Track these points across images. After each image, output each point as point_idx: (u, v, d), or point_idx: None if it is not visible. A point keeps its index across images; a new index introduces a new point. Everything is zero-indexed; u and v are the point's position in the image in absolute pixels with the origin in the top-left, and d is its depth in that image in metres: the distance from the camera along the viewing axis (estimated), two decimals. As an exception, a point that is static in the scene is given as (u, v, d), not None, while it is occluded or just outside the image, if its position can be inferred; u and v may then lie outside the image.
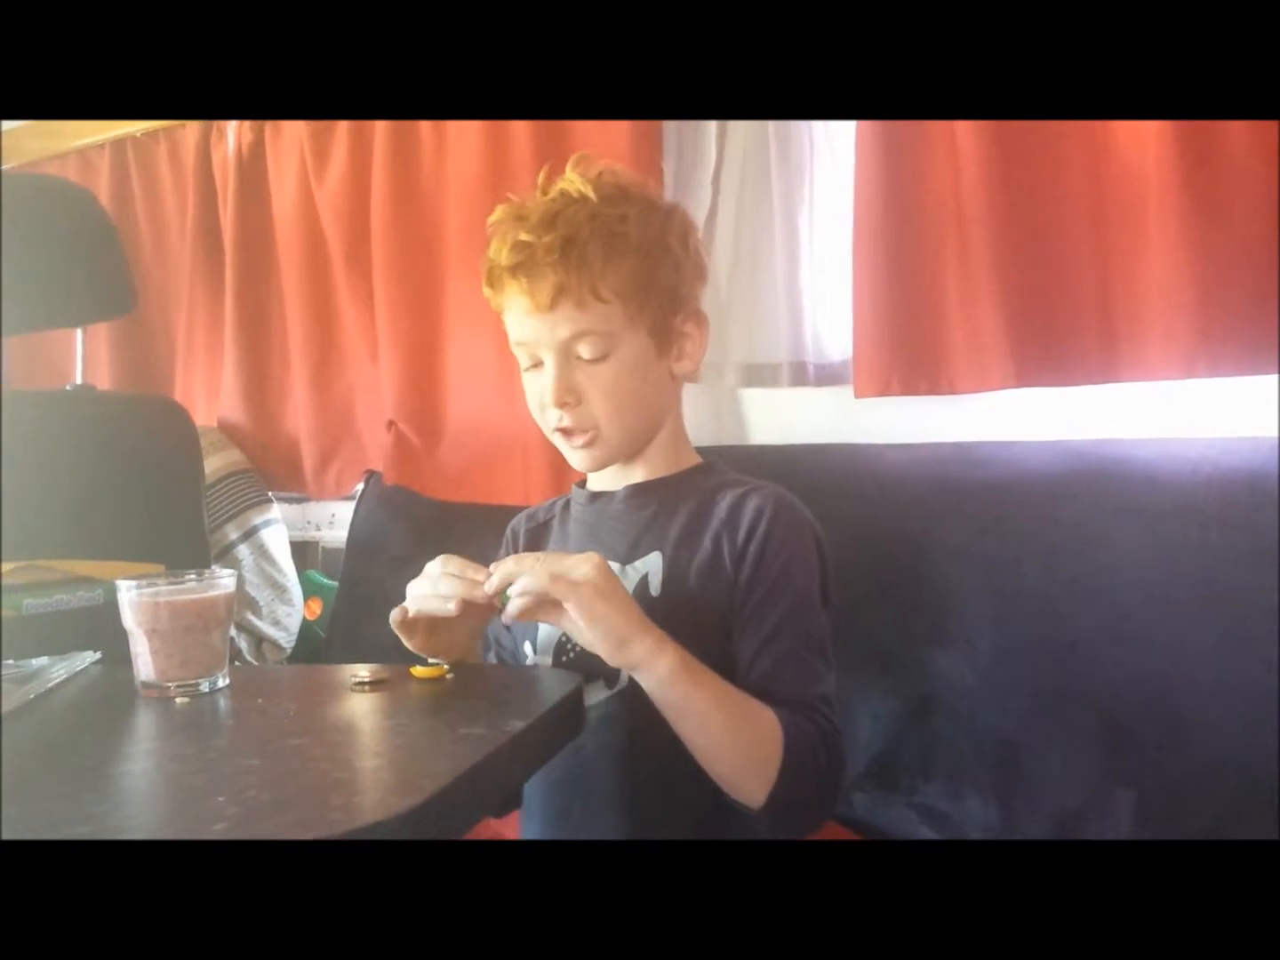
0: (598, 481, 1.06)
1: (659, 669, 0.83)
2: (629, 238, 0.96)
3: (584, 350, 0.96)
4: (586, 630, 0.82)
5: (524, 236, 0.95)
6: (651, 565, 0.97)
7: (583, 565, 0.82)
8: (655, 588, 0.96)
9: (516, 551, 1.11)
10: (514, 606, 0.83)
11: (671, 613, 0.92)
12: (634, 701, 0.87)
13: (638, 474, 1.03)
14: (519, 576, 0.82)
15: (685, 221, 1.02)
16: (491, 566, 0.84)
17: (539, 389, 0.99)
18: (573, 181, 0.97)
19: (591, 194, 0.96)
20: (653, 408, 1.02)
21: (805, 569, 0.95)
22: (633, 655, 0.83)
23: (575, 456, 1.01)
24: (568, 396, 0.96)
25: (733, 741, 0.85)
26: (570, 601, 0.81)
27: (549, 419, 0.99)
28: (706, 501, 0.99)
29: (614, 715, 0.93)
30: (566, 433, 0.99)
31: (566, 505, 1.10)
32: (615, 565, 0.98)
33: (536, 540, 1.10)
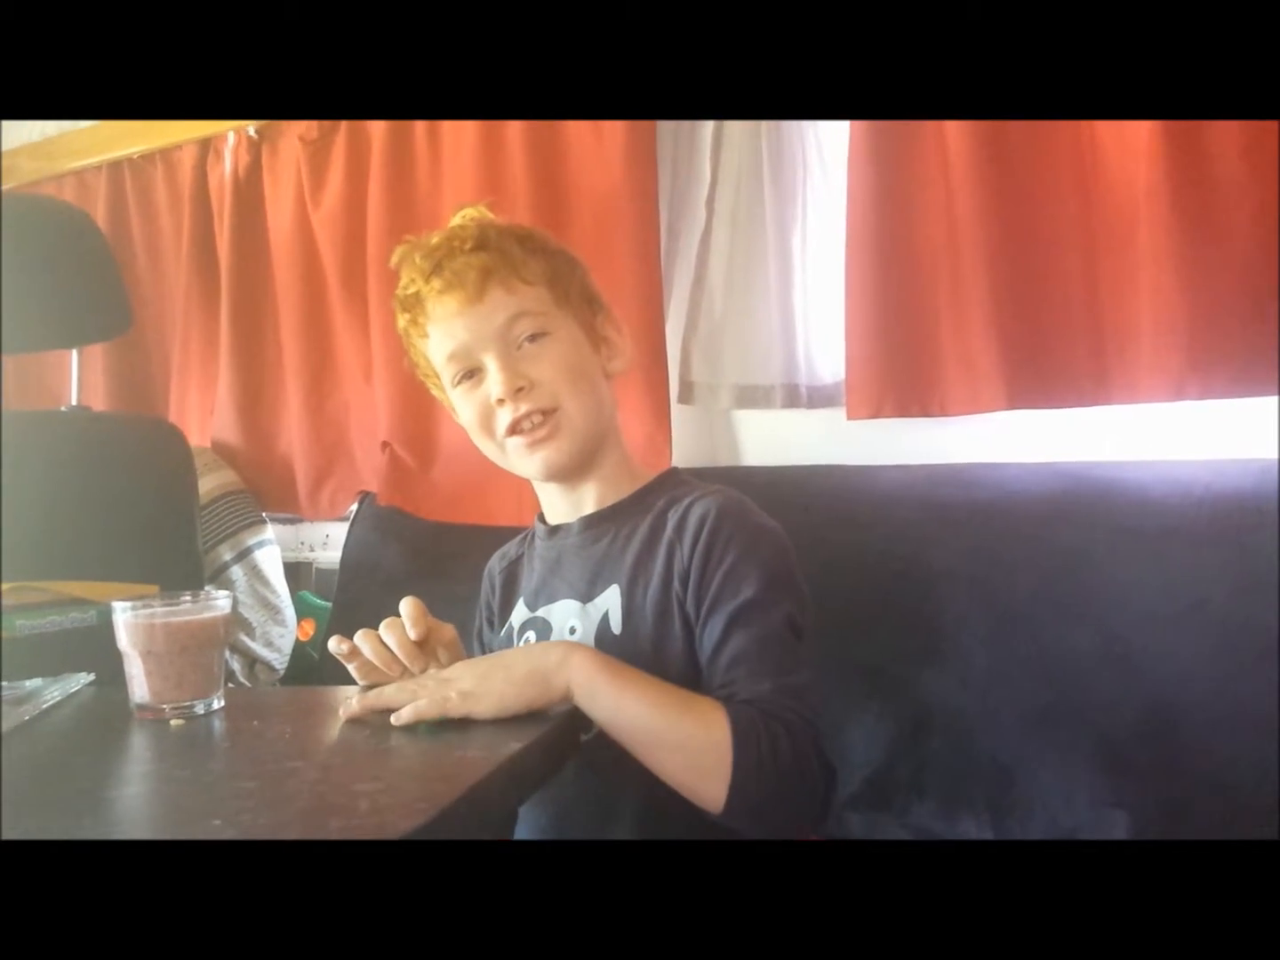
0: (555, 513, 1.04)
1: (574, 674, 0.81)
2: (538, 240, 1.00)
3: (523, 329, 0.95)
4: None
5: (435, 240, 0.97)
6: (610, 601, 0.95)
7: (455, 672, 0.83)
8: (616, 625, 0.93)
9: (494, 593, 1.10)
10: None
11: (634, 648, 0.90)
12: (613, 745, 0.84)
13: (590, 502, 1.01)
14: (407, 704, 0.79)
15: None
16: (369, 697, 0.83)
17: (481, 395, 0.96)
18: (465, 213, 1.01)
19: (491, 216, 1.00)
20: (599, 396, 0.99)
21: (754, 567, 0.89)
22: (553, 691, 0.81)
23: (537, 458, 0.96)
24: (520, 381, 0.94)
25: (675, 741, 0.81)
26: (468, 709, 0.79)
27: (501, 419, 0.95)
28: (659, 521, 0.96)
29: (594, 761, 0.88)
30: (527, 422, 0.94)
31: (534, 538, 1.08)
32: (576, 604, 0.97)
33: (512, 578, 1.09)
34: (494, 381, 0.94)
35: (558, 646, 0.86)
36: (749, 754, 0.79)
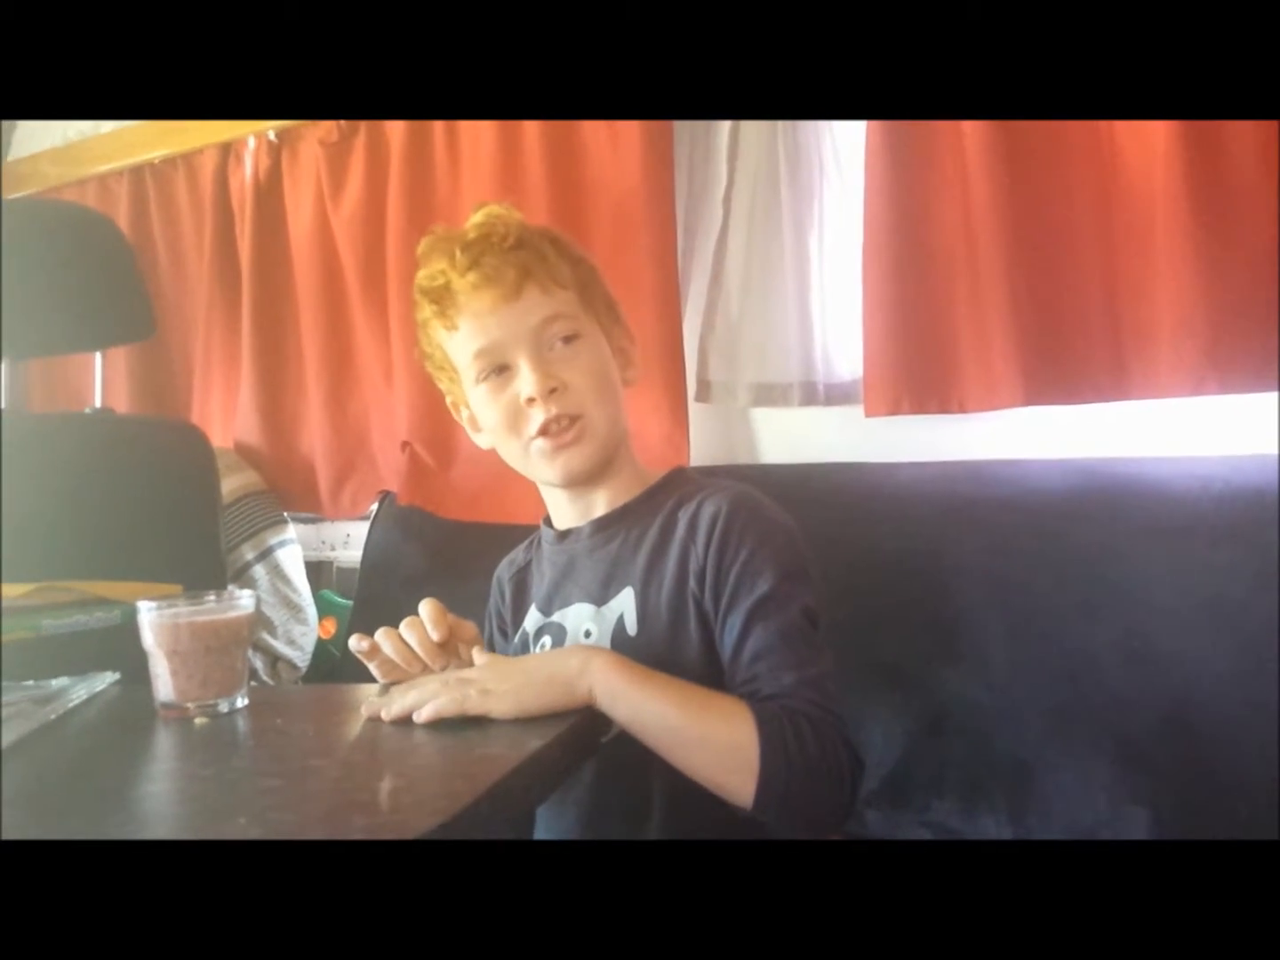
0: (563, 518, 1.04)
1: (595, 679, 0.81)
2: (565, 245, 1.00)
3: (558, 331, 0.94)
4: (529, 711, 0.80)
5: (473, 236, 0.96)
6: (625, 604, 0.94)
7: (476, 673, 0.84)
8: (631, 626, 0.93)
9: (505, 601, 1.10)
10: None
11: (650, 649, 0.90)
12: (637, 746, 0.83)
13: (600, 505, 1.01)
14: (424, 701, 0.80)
15: None
16: (394, 706, 0.82)
17: (510, 394, 0.95)
18: (493, 210, 0.99)
19: (518, 215, 1.00)
20: (620, 405, 0.99)
21: (769, 560, 0.89)
22: (574, 696, 0.81)
23: (559, 462, 0.96)
24: (553, 381, 0.93)
25: (698, 740, 0.81)
26: (487, 707, 0.79)
27: (531, 422, 0.94)
28: (669, 521, 0.96)
29: (615, 761, 0.88)
30: (555, 426, 0.94)
31: (540, 543, 1.08)
32: (590, 608, 0.97)
33: (522, 584, 1.09)
34: (526, 381, 0.93)
35: (577, 652, 0.86)
36: (775, 748, 0.79)
